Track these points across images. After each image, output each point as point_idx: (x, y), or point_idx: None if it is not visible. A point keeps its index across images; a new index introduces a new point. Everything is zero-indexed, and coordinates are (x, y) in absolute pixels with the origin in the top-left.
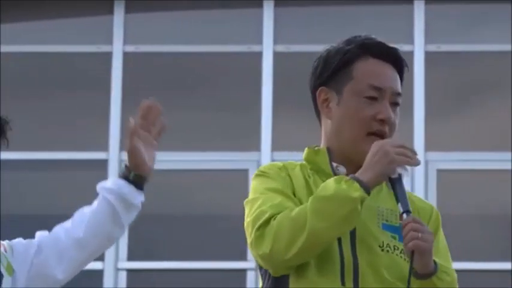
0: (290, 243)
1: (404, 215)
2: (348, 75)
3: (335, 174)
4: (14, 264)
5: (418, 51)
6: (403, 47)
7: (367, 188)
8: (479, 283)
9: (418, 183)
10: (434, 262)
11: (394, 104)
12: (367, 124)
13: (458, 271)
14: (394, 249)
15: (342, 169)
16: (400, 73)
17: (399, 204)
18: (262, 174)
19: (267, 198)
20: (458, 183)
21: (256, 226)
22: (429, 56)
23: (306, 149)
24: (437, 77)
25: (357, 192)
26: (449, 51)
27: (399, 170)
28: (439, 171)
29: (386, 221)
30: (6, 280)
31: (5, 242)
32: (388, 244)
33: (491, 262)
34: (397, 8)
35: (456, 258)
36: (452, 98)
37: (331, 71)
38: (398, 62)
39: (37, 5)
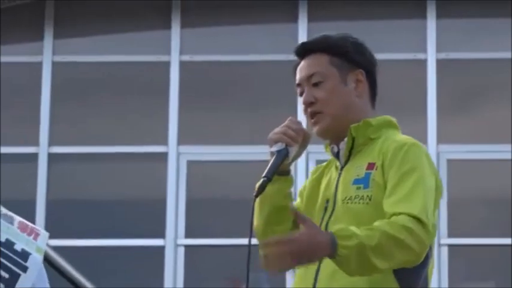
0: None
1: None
2: None
3: (332, 153)
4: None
5: (430, 59)
6: (417, 56)
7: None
8: (483, 256)
9: None
10: (333, 233)
11: (315, 85)
12: (306, 113)
13: (466, 246)
14: (355, 198)
15: (335, 147)
16: (324, 50)
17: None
18: None
19: None
20: (466, 172)
21: None
22: (440, 63)
23: None
24: (447, 81)
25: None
26: (457, 59)
27: (275, 147)
28: (449, 160)
29: (357, 175)
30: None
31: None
32: (351, 196)
33: (494, 238)
34: (412, 22)
35: (464, 234)
36: (459, 99)
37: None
38: (313, 46)
39: (108, 24)
